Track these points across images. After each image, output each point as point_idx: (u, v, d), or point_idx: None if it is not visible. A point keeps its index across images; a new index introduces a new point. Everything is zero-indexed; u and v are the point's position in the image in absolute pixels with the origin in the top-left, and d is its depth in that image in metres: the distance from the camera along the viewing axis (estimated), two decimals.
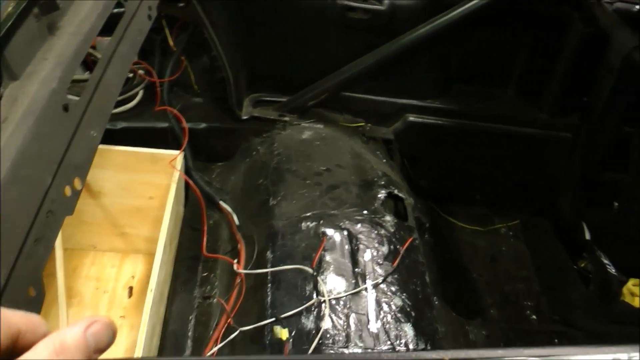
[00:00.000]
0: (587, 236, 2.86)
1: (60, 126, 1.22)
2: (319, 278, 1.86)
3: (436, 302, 2.05)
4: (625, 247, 2.85)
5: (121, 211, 2.42)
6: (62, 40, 1.34)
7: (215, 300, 2.03)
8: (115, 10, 1.62)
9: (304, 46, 2.58)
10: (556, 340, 2.34)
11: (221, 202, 2.33)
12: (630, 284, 2.71)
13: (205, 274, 2.15)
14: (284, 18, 2.50)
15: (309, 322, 1.78)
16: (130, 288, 2.39)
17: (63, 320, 2.14)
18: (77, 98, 1.33)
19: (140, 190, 2.36)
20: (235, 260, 2.06)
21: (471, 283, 2.57)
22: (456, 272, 2.60)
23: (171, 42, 2.56)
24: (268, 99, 2.70)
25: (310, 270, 1.87)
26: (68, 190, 1.21)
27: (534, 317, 2.50)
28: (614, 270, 2.75)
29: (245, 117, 2.59)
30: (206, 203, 2.38)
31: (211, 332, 1.90)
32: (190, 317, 2.03)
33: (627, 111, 2.54)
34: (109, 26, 1.56)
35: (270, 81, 2.69)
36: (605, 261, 2.78)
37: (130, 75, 2.61)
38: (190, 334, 1.98)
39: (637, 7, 2.67)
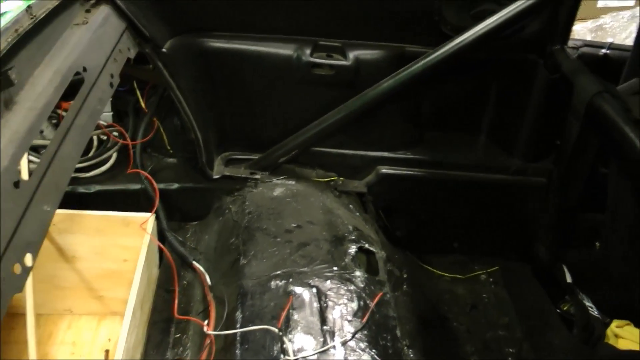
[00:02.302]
0: (568, 279, 2.91)
1: (10, 203, 1.27)
2: (285, 338, 1.91)
3: (411, 355, 2.08)
4: (607, 287, 2.89)
5: (96, 275, 2.49)
6: (18, 116, 1.41)
7: None
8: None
9: (272, 104, 2.65)
10: None
11: (194, 263, 2.40)
12: (614, 325, 2.73)
13: (177, 336, 2.21)
14: (249, 77, 2.57)
15: None
16: (107, 351, 2.43)
17: None
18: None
19: (114, 254, 2.42)
20: (206, 322, 2.11)
21: (451, 332, 2.60)
22: (436, 321, 2.63)
23: (143, 104, 2.63)
24: (239, 157, 2.77)
25: (276, 330, 1.92)
26: (17, 268, 1.24)
27: None
28: (596, 313, 2.79)
29: (216, 177, 2.67)
30: (180, 263, 2.44)
31: None
32: None
33: (598, 153, 2.61)
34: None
35: (241, 139, 2.76)
36: (588, 303, 2.82)
37: (104, 138, 2.70)
38: None
39: (603, 51, 2.77)
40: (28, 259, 1.29)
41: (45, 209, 1.40)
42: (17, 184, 1.30)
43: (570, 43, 2.65)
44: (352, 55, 2.53)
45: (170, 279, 2.40)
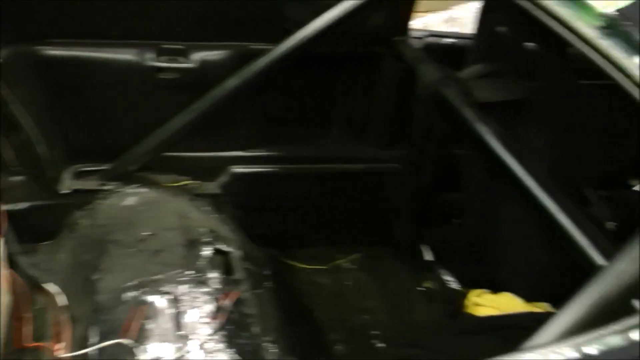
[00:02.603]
0: (428, 257, 3.03)
1: None
2: (139, 349, 1.91)
3: (274, 351, 2.12)
4: (465, 261, 3.04)
5: None
6: None
7: None
8: None
9: (118, 111, 2.63)
10: None
11: (48, 284, 2.33)
12: (473, 295, 2.88)
13: None
14: (92, 85, 2.54)
15: None
16: None
17: None
18: None
19: None
20: (57, 345, 2.07)
21: (316, 323, 2.67)
22: (301, 314, 2.69)
23: None
24: (89, 169, 2.72)
25: (128, 342, 1.92)
26: None
27: (383, 345, 2.63)
28: (456, 285, 2.93)
29: (66, 192, 2.61)
30: (32, 287, 2.38)
31: None
32: None
33: (448, 136, 2.74)
34: None
35: (89, 150, 2.71)
36: (447, 278, 2.96)
37: None
38: None
39: (448, 40, 2.90)
40: None
41: None
42: None
43: (417, 34, 2.76)
44: (196, 57, 2.54)
45: (22, 305, 2.33)
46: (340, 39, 2.61)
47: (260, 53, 2.54)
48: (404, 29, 2.75)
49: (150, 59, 2.52)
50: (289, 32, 2.54)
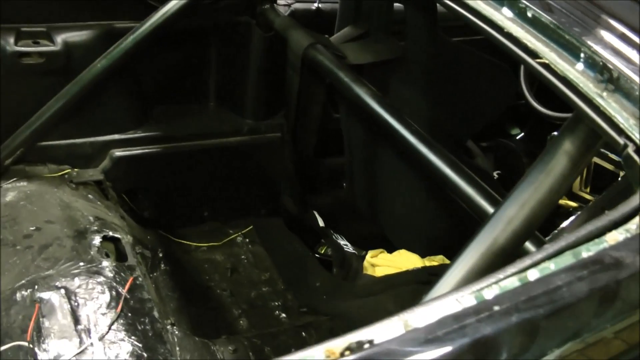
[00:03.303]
0: (321, 223, 3.11)
1: None
2: (38, 349, 1.88)
3: (175, 332, 2.14)
4: (357, 223, 3.14)
5: None
6: None
7: None
8: None
9: None
10: (303, 334, 2.53)
11: None
12: (369, 256, 2.98)
13: None
14: None
15: None
16: None
17: None
18: None
19: None
20: None
21: (215, 300, 2.70)
22: (199, 293, 2.71)
23: None
24: None
25: (26, 344, 1.89)
26: None
27: (284, 315, 2.69)
28: (351, 249, 3.03)
29: None
30: None
31: None
32: None
33: (325, 101, 2.80)
34: None
35: None
36: (342, 242, 3.06)
37: None
38: None
39: (314, 5, 2.95)
40: None
41: None
42: None
43: (282, 1, 2.79)
44: (60, 39, 2.48)
45: None
46: (206, 11, 2.62)
47: (126, 31, 2.51)
48: None
49: (11, 44, 2.42)
50: (153, 8, 2.51)
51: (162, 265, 2.58)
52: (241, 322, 2.63)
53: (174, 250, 2.83)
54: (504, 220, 1.32)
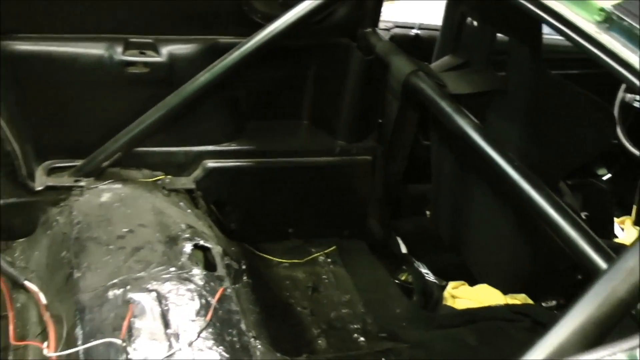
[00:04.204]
0: (403, 249, 3.12)
1: None
2: (130, 348, 1.94)
3: (258, 347, 2.17)
4: (439, 252, 3.13)
5: None
6: None
7: None
8: None
9: (88, 107, 2.63)
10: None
11: (26, 282, 2.35)
12: (450, 287, 2.97)
13: None
14: (61, 80, 2.54)
15: None
16: None
17: None
18: None
19: None
20: (45, 343, 2.10)
21: (296, 317, 2.73)
22: (279, 309, 2.74)
23: None
24: (62, 165, 2.71)
25: (119, 341, 1.95)
26: None
27: (362, 338, 2.69)
28: (433, 278, 3.02)
29: (39, 188, 2.61)
30: (11, 286, 2.39)
31: None
32: None
33: (419, 127, 2.82)
34: None
35: (61, 146, 2.71)
36: (424, 270, 3.05)
37: None
38: None
39: (414, 31, 2.99)
40: None
41: None
42: None
43: (382, 25, 2.84)
44: (165, 51, 2.57)
45: (1, 303, 2.35)
46: (308, 31, 2.67)
47: (230, 47, 2.59)
48: (373, 20, 2.82)
49: (119, 54, 2.53)
50: (258, 25, 2.59)
51: (245, 278, 2.61)
52: (320, 341, 2.64)
53: (256, 264, 2.87)
54: (625, 271, 1.30)
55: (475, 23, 2.61)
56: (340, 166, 2.96)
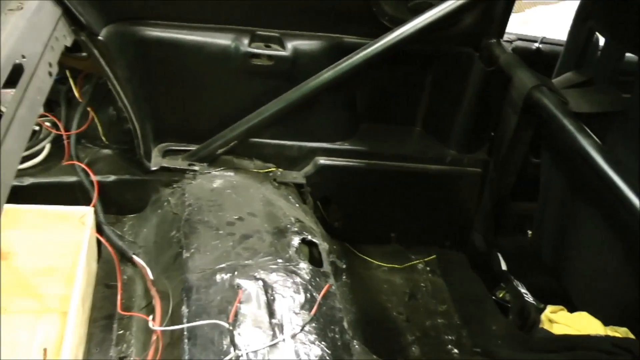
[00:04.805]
0: (503, 266, 3.06)
1: None
2: (235, 332, 1.96)
3: (356, 346, 2.16)
4: (541, 274, 3.05)
5: (32, 271, 2.46)
6: None
7: (132, 359, 2.11)
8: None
9: (209, 94, 2.68)
10: None
11: (134, 257, 2.42)
12: (549, 311, 2.88)
13: (120, 333, 2.23)
14: (186, 67, 2.60)
15: None
16: (45, 350, 2.43)
17: None
18: None
19: (50, 249, 2.40)
20: (151, 317, 2.14)
21: (391, 322, 2.71)
22: (375, 312, 2.73)
23: (77, 93, 2.62)
24: (177, 148, 2.79)
25: (226, 324, 1.97)
26: None
27: (456, 350, 2.66)
28: (531, 299, 2.95)
29: (154, 168, 2.68)
30: (119, 258, 2.46)
31: None
32: None
33: (532, 144, 2.76)
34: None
35: (178, 130, 2.79)
36: (522, 290, 2.98)
37: (37, 128, 2.67)
38: None
39: (535, 45, 2.92)
40: None
41: None
42: None
43: (504, 37, 2.79)
44: (290, 45, 2.59)
45: (109, 274, 2.41)
46: (432, 37, 2.64)
47: (354, 46, 2.58)
48: (498, 31, 2.76)
49: (245, 45, 2.57)
50: (383, 27, 2.58)
51: (344, 277, 2.62)
52: (413, 349, 2.62)
53: (356, 264, 2.88)
54: None
55: (603, 39, 2.54)
56: (450, 176, 2.93)
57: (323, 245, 2.43)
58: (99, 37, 2.32)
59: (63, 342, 1.96)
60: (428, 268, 3.01)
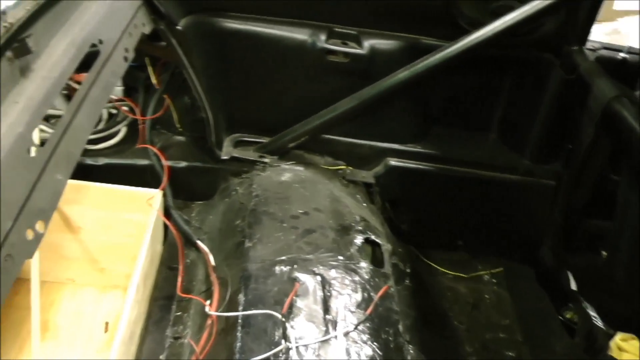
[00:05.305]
0: (573, 286, 2.94)
1: (24, 170, 1.32)
2: (287, 324, 1.95)
3: (411, 351, 2.12)
4: (613, 298, 2.92)
5: (100, 247, 2.54)
6: (34, 84, 1.45)
7: (186, 340, 2.14)
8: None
9: (284, 88, 2.69)
10: None
11: (198, 242, 2.45)
12: (619, 338, 2.75)
13: (178, 314, 2.27)
14: (263, 60, 2.61)
15: None
16: (107, 323, 2.49)
17: (36, 355, 2.24)
18: (51, 131, 1.41)
19: (118, 228, 2.48)
20: (208, 302, 2.16)
21: (451, 330, 2.65)
22: (436, 318, 2.67)
23: (155, 80, 2.67)
24: (249, 139, 2.81)
25: (279, 315, 1.96)
26: (30, 234, 1.30)
27: None
28: (600, 323, 2.82)
29: (225, 157, 2.71)
30: (184, 242, 2.50)
31: None
32: (160, 357, 2.15)
33: (610, 159, 2.64)
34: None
35: (251, 122, 2.81)
36: (592, 313, 2.85)
37: (115, 111, 2.74)
38: None
39: (621, 55, 2.79)
40: (40, 226, 1.35)
41: (58, 177, 1.44)
42: (30, 150, 1.35)
43: (588, 45, 2.68)
44: (367, 44, 2.56)
45: (173, 256, 2.46)
46: (511, 42, 2.57)
47: (431, 48, 2.53)
48: (581, 38, 2.66)
49: (322, 41, 2.55)
50: (461, 30, 2.52)
51: (407, 281, 2.57)
52: None
53: (420, 269, 2.82)
54: None
55: None
56: (522, 186, 2.83)
57: (386, 246, 2.40)
58: (178, 27, 2.36)
59: (121, 316, 2.00)
60: (494, 280, 2.92)
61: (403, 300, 2.45)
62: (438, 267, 2.90)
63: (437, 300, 2.76)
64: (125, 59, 1.91)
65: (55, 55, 1.56)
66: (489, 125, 2.87)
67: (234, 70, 2.66)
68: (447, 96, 2.78)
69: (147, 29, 2.16)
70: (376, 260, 2.34)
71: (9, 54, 1.39)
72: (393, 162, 2.77)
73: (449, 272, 2.90)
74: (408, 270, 2.62)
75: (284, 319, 1.96)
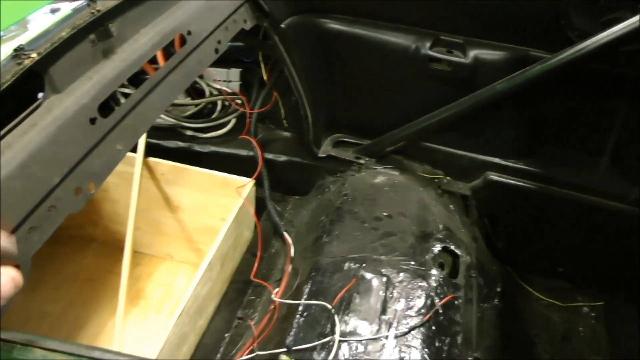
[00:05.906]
0: None
1: (82, 137, 1.45)
2: (338, 317, 1.97)
3: None
4: None
5: (196, 227, 2.69)
6: (112, 64, 1.60)
7: (247, 323, 2.23)
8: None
9: (385, 92, 2.69)
10: None
11: (284, 233, 2.53)
12: None
13: (252, 298, 2.39)
14: (366, 63, 2.63)
15: (319, 359, 1.89)
16: None
17: (120, 318, 2.41)
18: None
19: (213, 211, 2.60)
20: (276, 289, 2.23)
21: (532, 357, 2.54)
22: (518, 342, 2.56)
23: (265, 76, 2.78)
24: (348, 140, 2.85)
25: (330, 307, 1.99)
26: (79, 191, 1.42)
27: None
28: None
29: (322, 155, 2.77)
30: (273, 232, 2.59)
31: (234, 352, 2.09)
32: (225, 335, 2.26)
33: None
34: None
35: (350, 123, 2.85)
36: None
37: (227, 104, 2.89)
38: (221, 349, 2.23)
39: None
40: (92, 187, 1.46)
41: (118, 147, 1.56)
42: (93, 120, 1.47)
43: None
44: (472, 53, 2.49)
45: (260, 244, 2.57)
46: (628, 58, 2.40)
47: (536, 60, 2.38)
48: None
49: (426, 48, 2.52)
50: (571, 42, 2.39)
51: (496, 301, 2.51)
52: None
53: (514, 291, 2.71)
54: None
55: None
56: (631, 217, 2.59)
57: (464, 259, 2.34)
58: (281, 25, 2.45)
59: (187, 289, 2.12)
60: (593, 313, 2.73)
61: (488, 320, 2.40)
62: (533, 292, 2.76)
63: (524, 324, 2.64)
64: (217, 50, 2.01)
65: (140, 41, 1.69)
66: (603, 148, 2.68)
67: (336, 71, 2.70)
68: (558, 114, 2.63)
69: (247, 25, 2.25)
70: (454, 272, 2.30)
71: (92, 36, 1.54)
72: (493, 176, 2.68)
73: (544, 298, 2.76)
74: (498, 289, 2.55)
75: (333, 311, 1.99)
